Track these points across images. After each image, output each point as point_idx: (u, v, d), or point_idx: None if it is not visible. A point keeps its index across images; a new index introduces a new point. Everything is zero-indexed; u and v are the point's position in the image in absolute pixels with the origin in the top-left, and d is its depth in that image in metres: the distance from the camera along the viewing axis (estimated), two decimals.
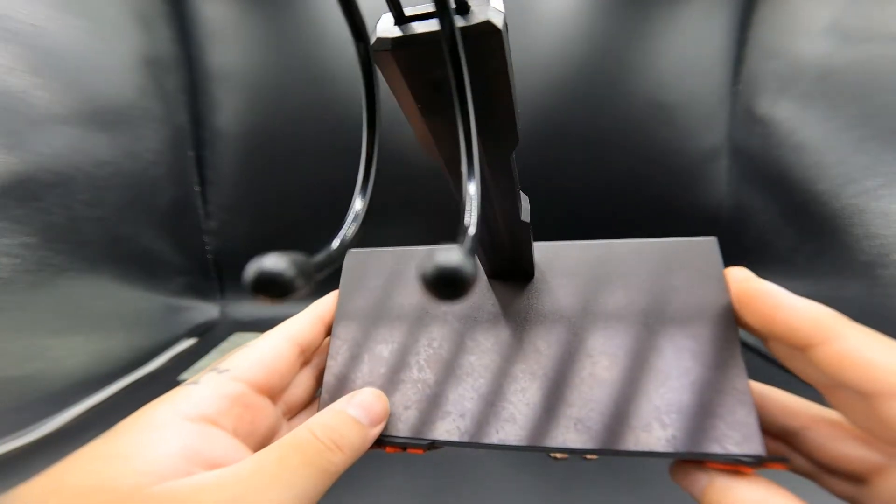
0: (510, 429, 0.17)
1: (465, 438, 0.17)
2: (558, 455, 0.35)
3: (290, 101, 0.59)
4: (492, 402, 0.18)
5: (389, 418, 0.18)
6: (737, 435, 0.15)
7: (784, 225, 0.53)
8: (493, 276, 0.21)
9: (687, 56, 0.58)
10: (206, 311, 0.61)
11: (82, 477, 0.13)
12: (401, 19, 0.10)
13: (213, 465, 0.14)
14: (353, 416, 0.17)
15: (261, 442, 0.17)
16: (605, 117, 0.60)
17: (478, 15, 0.09)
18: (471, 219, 0.08)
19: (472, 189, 0.09)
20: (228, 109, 0.59)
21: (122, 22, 0.48)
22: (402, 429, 0.18)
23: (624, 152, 0.61)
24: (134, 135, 0.48)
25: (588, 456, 0.35)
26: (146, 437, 0.14)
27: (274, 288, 0.07)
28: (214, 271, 0.63)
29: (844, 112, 0.46)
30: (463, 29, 0.09)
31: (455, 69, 0.09)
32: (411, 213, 0.61)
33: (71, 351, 0.41)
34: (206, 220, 0.62)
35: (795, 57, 0.51)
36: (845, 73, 0.46)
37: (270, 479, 0.14)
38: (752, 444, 0.15)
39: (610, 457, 0.16)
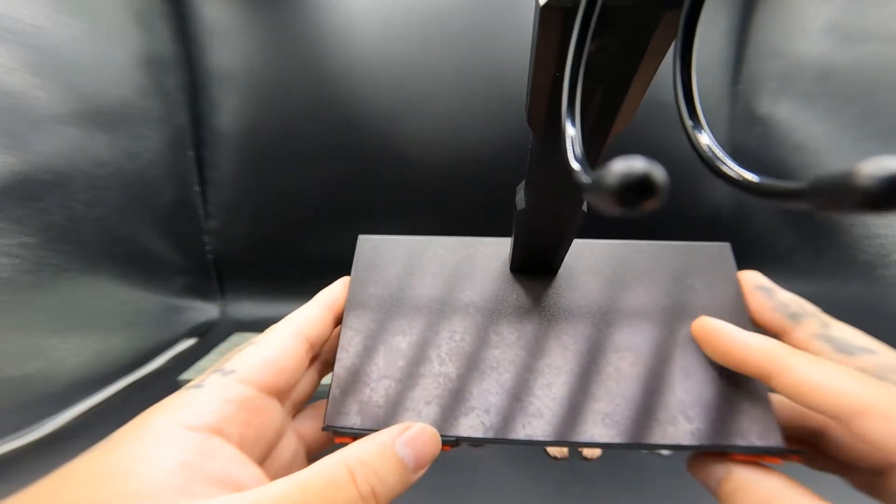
0: (537, 424, 0.17)
1: (491, 434, 0.17)
2: (557, 454, 0.35)
3: (290, 101, 0.58)
4: (517, 397, 0.17)
5: (409, 414, 0.17)
6: (757, 428, 0.16)
7: (784, 225, 0.53)
8: (517, 269, 0.21)
9: None
10: (206, 311, 0.61)
11: None
12: None
13: (215, 482, 0.13)
14: (401, 456, 0.14)
15: (268, 447, 0.16)
16: None
17: None
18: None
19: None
20: (228, 109, 0.59)
21: (121, 22, 0.48)
22: None
23: (624, 153, 0.61)
24: (134, 135, 0.48)
25: (587, 455, 0.35)
26: (142, 451, 0.13)
27: (648, 193, 0.06)
28: (214, 271, 0.63)
29: (844, 112, 0.46)
30: None
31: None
32: (412, 212, 0.61)
33: (71, 351, 0.41)
34: (205, 221, 0.62)
35: (795, 57, 0.51)
36: (845, 73, 0.46)
37: None
38: (772, 437, 0.16)
39: (634, 450, 0.16)
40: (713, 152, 0.09)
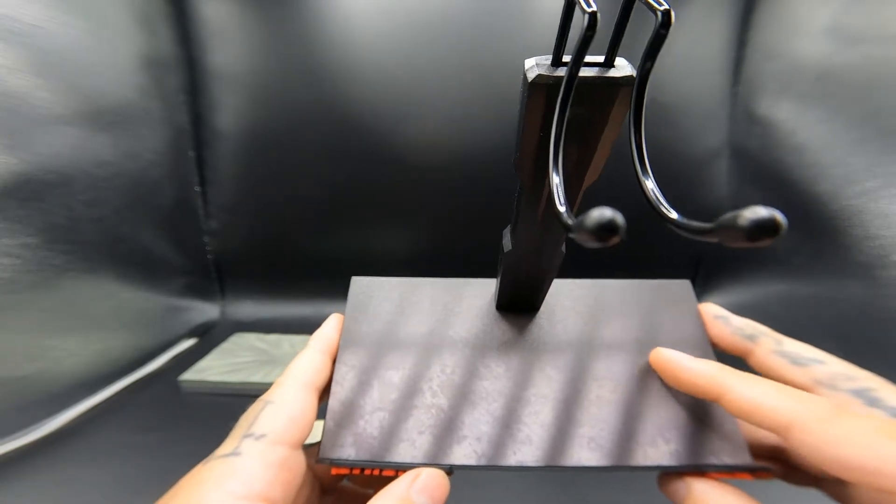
0: (527, 450, 0.18)
1: (483, 462, 0.17)
2: None
3: (290, 101, 0.59)
4: (507, 425, 0.18)
5: (403, 444, 0.18)
6: (727, 447, 0.17)
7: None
8: (502, 307, 0.22)
9: (687, 57, 0.58)
10: (207, 311, 0.61)
11: None
12: (557, 63, 0.12)
13: None
14: None
15: (297, 492, 0.17)
16: None
17: (623, 69, 0.12)
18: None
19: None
20: (228, 109, 0.59)
21: (122, 22, 0.48)
22: (418, 455, 0.18)
23: (624, 154, 0.61)
24: (135, 135, 0.48)
25: None
26: None
27: (614, 232, 0.08)
28: (215, 271, 0.63)
29: (844, 113, 0.46)
30: (609, 78, 0.12)
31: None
32: (412, 212, 0.62)
33: (71, 351, 0.41)
34: (206, 221, 0.62)
35: (795, 58, 0.51)
36: (845, 73, 0.46)
37: None
38: (740, 455, 0.17)
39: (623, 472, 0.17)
40: (655, 195, 0.12)
